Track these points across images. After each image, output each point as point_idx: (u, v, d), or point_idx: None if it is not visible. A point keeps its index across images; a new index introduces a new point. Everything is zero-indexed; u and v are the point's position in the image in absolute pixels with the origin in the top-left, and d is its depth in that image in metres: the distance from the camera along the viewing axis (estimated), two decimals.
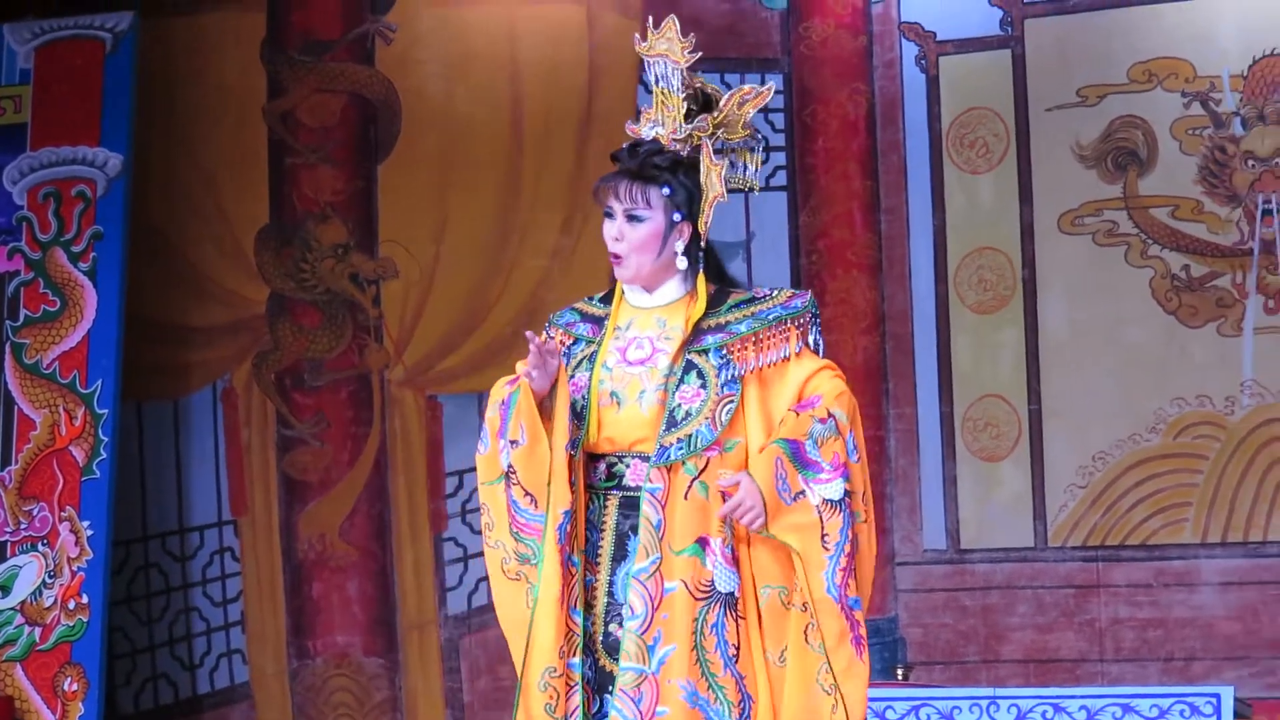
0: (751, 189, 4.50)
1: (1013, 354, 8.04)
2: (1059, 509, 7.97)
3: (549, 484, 4.30)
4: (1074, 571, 7.95)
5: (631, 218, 4.34)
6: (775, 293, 4.45)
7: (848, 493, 4.27)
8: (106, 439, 7.94)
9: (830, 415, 4.28)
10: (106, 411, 7.94)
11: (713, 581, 4.27)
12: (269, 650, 8.55)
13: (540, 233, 8.28)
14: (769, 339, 4.36)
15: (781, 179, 8.19)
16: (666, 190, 4.32)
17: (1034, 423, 8.00)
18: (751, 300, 4.42)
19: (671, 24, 4.39)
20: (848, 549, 4.25)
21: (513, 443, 4.32)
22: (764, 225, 8.20)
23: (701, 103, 4.44)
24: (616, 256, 4.38)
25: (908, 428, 8.05)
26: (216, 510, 8.63)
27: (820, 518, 4.24)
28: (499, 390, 4.50)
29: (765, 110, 7.83)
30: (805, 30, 8.10)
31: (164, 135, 8.59)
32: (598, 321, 4.47)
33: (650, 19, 4.44)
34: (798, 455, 4.25)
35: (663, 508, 4.26)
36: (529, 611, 4.34)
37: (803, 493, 4.24)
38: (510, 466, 4.32)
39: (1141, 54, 7.94)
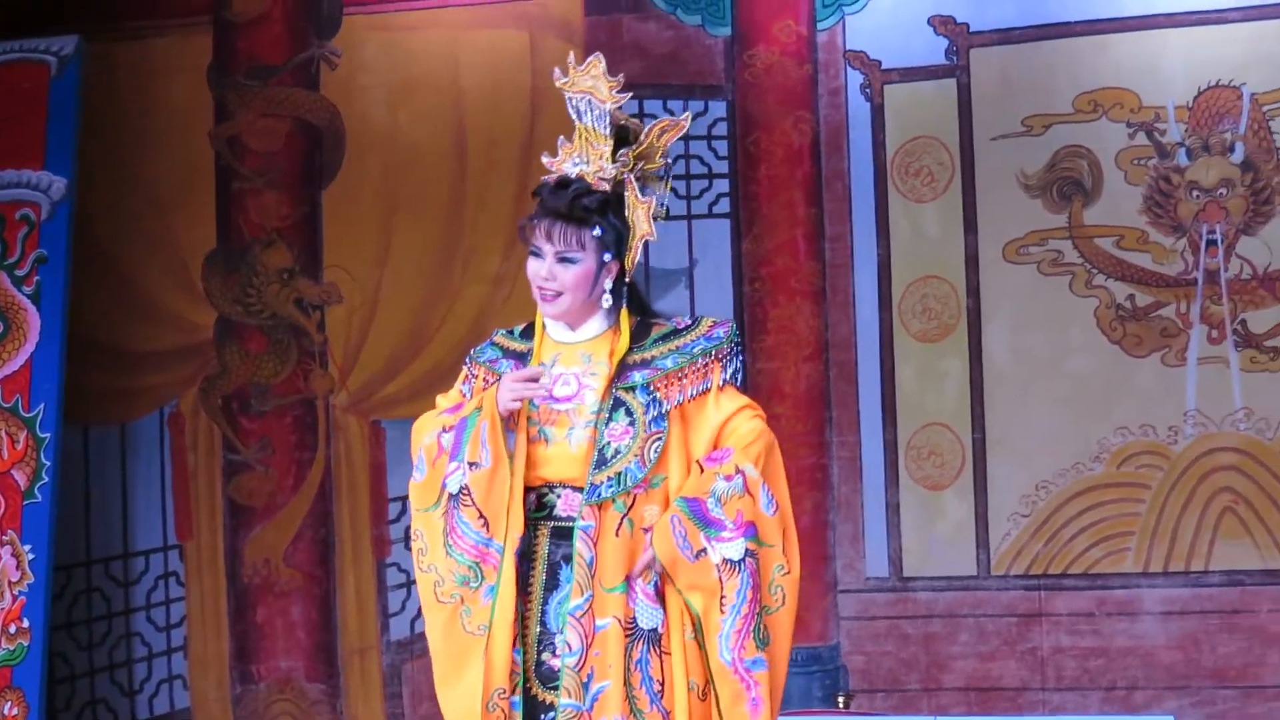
0: (657, 218, 4.49)
1: (957, 382, 8.03)
2: (1002, 538, 7.95)
3: (508, 509, 4.29)
4: (1016, 600, 7.94)
5: (564, 259, 4.36)
6: (697, 323, 4.48)
7: (749, 552, 4.27)
8: (49, 463, 7.92)
9: (738, 471, 4.30)
10: (49, 435, 7.93)
11: (635, 619, 4.28)
12: (211, 676, 8.54)
13: (483, 259, 8.27)
14: (692, 373, 4.39)
15: (725, 206, 8.18)
16: (598, 231, 4.34)
17: (977, 451, 7.99)
18: (675, 333, 4.44)
19: (597, 61, 4.41)
20: (744, 610, 4.27)
21: (472, 464, 4.33)
22: (707, 252, 8.18)
23: (622, 137, 4.45)
24: (547, 293, 4.38)
25: (851, 455, 8.04)
26: (161, 535, 8.62)
27: (720, 578, 4.26)
28: (431, 420, 4.50)
29: (709, 138, 7.99)
30: (749, 58, 8.09)
31: (110, 159, 8.58)
32: (520, 358, 4.48)
33: (572, 55, 4.45)
34: (699, 513, 4.26)
35: (595, 545, 4.28)
36: (464, 635, 4.34)
37: (704, 551, 4.26)
38: (465, 488, 4.33)
39: (1086, 84, 7.94)
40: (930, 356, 8.06)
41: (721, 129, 8.17)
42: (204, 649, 8.56)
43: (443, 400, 4.60)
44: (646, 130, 4.48)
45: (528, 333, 4.53)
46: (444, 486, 4.38)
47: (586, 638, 4.26)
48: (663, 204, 4.49)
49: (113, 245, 8.62)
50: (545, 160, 4.49)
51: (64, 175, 8.10)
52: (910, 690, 7.98)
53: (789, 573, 4.39)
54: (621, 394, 4.36)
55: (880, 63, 8.09)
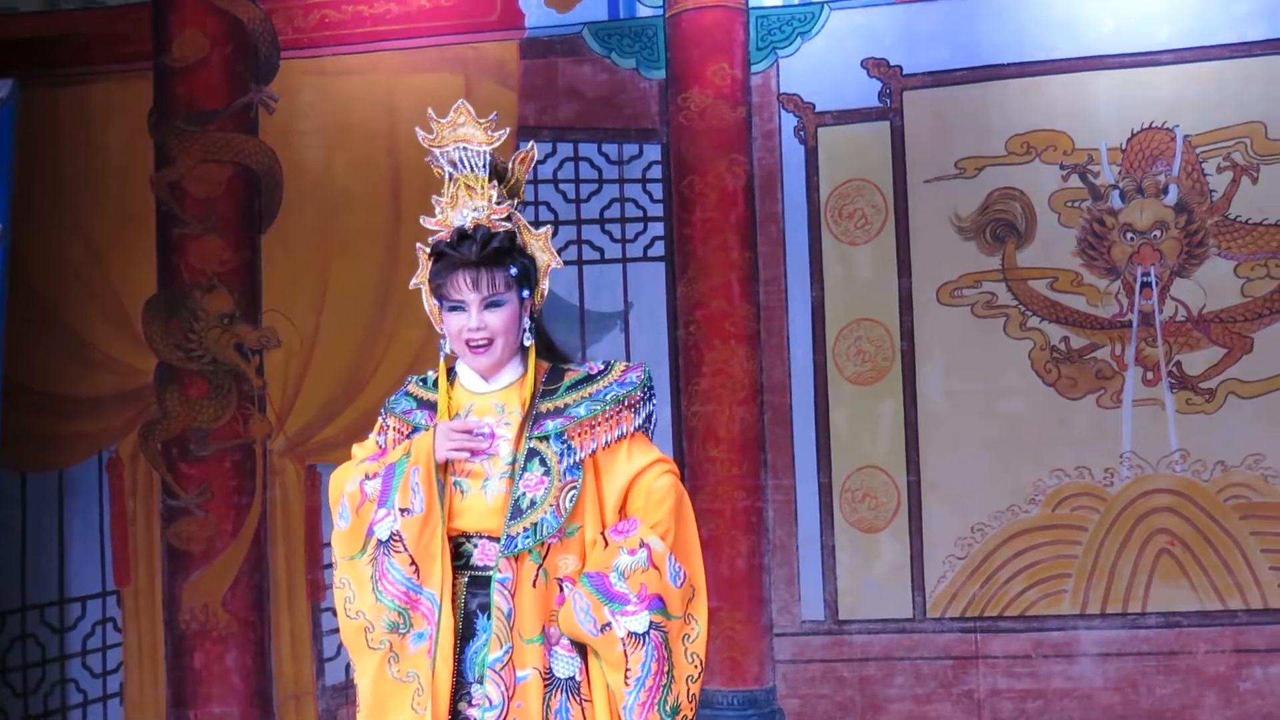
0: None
1: (891, 425, 8.03)
2: (937, 580, 7.95)
3: (441, 556, 4.28)
4: (952, 642, 7.92)
5: (492, 304, 4.36)
6: (610, 368, 4.47)
7: (654, 625, 4.27)
8: None
9: (643, 545, 4.30)
10: None
11: (551, 668, 4.28)
12: None
13: (417, 303, 8.14)
14: (605, 421, 4.39)
15: (659, 249, 8.19)
16: (514, 270, 4.37)
17: (912, 494, 7.99)
18: (588, 379, 4.44)
19: (463, 109, 4.42)
20: (649, 683, 4.27)
21: (404, 510, 4.32)
22: (641, 296, 8.19)
23: (500, 177, 4.46)
24: (480, 345, 4.36)
25: (785, 498, 8.03)
26: (99, 580, 8.59)
27: (625, 651, 4.26)
28: (351, 469, 4.50)
29: (643, 181, 8.01)
30: (684, 101, 8.11)
31: (48, 204, 8.59)
32: (434, 408, 4.47)
33: (431, 110, 4.44)
34: (602, 588, 4.26)
35: (512, 596, 4.27)
36: (392, 682, 4.33)
37: (609, 625, 4.27)
38: (396, 534, 4.32)
39: (1020, 126, 7.97)
40: (865, 399, 8.06)
41: (656, 172, 8.18)
42: (140, 695, 8.53)
43: (359, 450, 4.59)
44: (509, 165, 4.49)
45: (438, 383, 4.51)
46: (371, 533, 4.36)
47: (507, 690, 4.25)
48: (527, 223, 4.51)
49: (50, 290, 8.62)
50: (425, 221, 4.49)
51: None
52: None
53: (699, 636, 4.37)
54: (536, 444, 4.35)
55: (814, 105, 8.11)
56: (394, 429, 4.53)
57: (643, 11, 8.23)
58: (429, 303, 4.47)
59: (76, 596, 8.60)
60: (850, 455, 8.05)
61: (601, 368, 4.48)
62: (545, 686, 4.28)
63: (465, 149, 4.39)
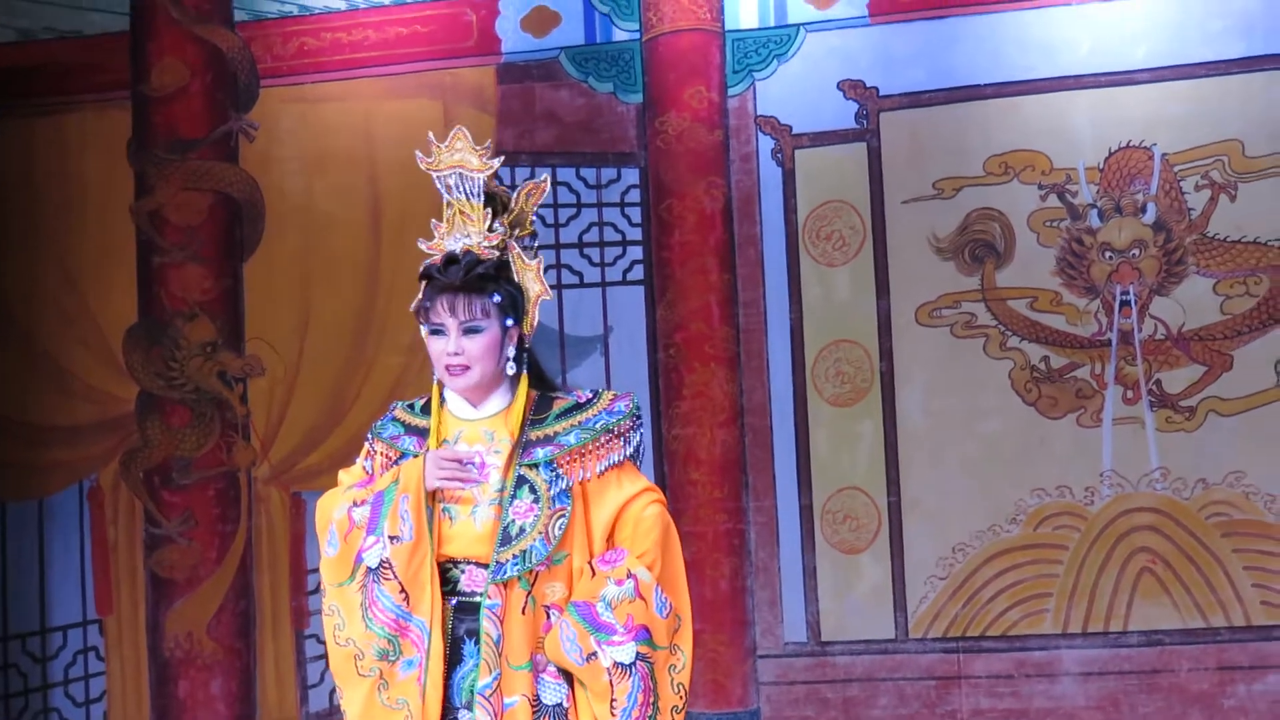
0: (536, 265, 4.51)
1: (871, 446, 8.04)
2: (919, 600, 7.95)
3: (430, 583, 4.29)
4: (935, 663, 7.93)
5: (470, 330, 4.35)
6: (598, 397, 4.47)
7: (640, 655, 4.28)
8: None
9: (630, 576, 4.30)
10: None
11: (539, 695, 4.28)
12: None
13: (397, 329, 8.27)
14: (595, 450, 4.39)
15: (639, 273, 8.20)
16: (497, 298, 4.36)
17: (893, 514, 7.99)
18: (576, 407, 4.44)
19: (461, 135, 4.41)
20: (634, 714, 4.27)
21: (393, 538, 4.31)
22: (621, 319, 8.20)
23: (495, 206, 4.46)
24: (456, 368, 4.36)
25: (767, 520, 8.04)
26: (81, 609, 8.58)
27: (610, 681, 4.26)
28: (338, 496, 4.50)
29: (622, 205, 8.00)
30: (661, 124, 8.12)
31: (28, 234, 8.59)
32: (423, 434, 4.46)
33: (431, 134, 4.46)
34: (588, 618, 4.27)
35: (501, 623, 4.27)
36: (382, 709, 4.33)
37: (594, 654, 4.27)
38: (386, 562, 4.32)
39: (997, 147, 7.99)
40: (844, 420, 8.07)
41: (635, 195, 8.20)
42: None
43: (345, 476, 4.59)
44: (514, 196, 4.49)
45: (427, 408, 4.52)
46: (359, 560, 4.36)
47: (496, 716, 4.25)
48: (533, 259, 4.49)
49: (29, 319, 8.63)
50: (422, 245, 4.49)
51: None
52: None
53: (685, 666, 4.38)
54: (525, 471, 4.35)
55: (791, 127, 8.12)
56: (382, 454, 4.53)
57: (619, 35, 8.25)
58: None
59: (58, 625, 8.59)
60: (831, 476, 8.06)
61: (590, 396, 4.49)
62: (534, 713, 4.28)
63: (461, 174, 4.39)
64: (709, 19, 8.13)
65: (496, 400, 4.44)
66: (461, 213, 4.42)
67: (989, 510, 7.93)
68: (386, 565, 4.32)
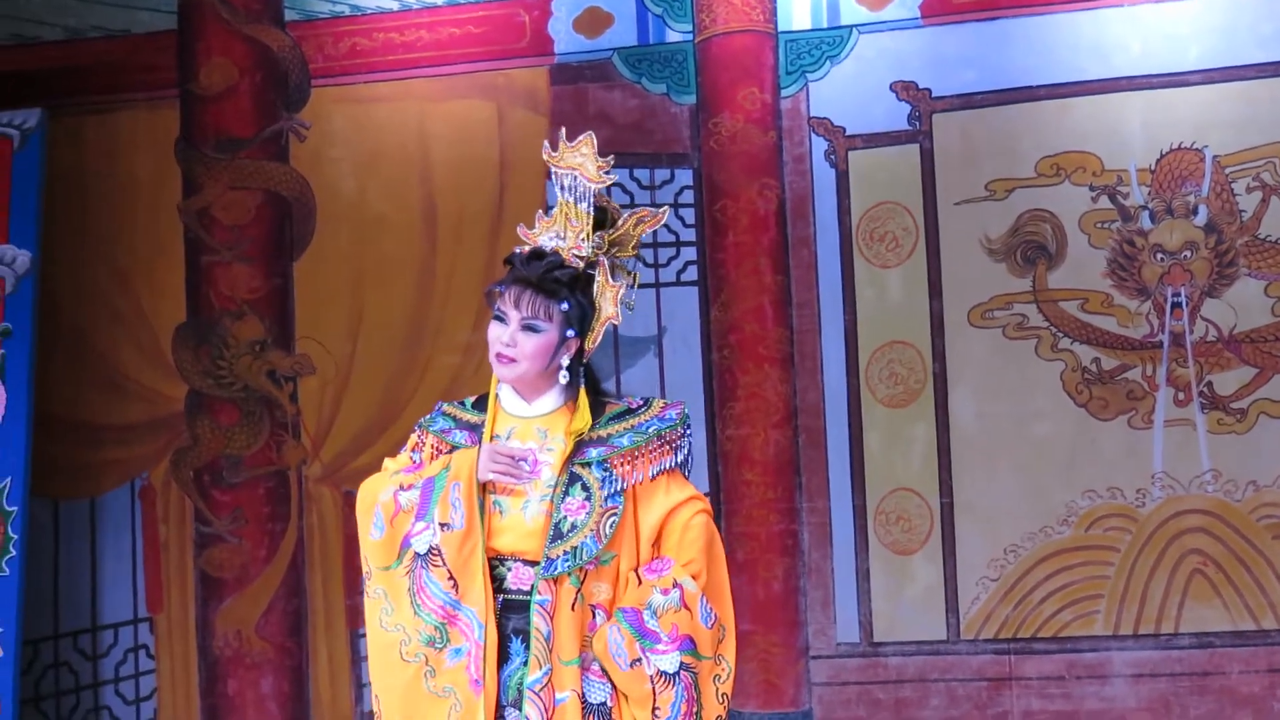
0: (629, 307, 4.52)
1: (924, 447, 8.05)
2: (971, 602, 7.97)
3: (480, 573, 4.31)
4: (986, 664, 7.94)
5: (529, 328, 4.38)
6: (649, 404, 4.51)
7: (684, 665, 4.30)
8: (16, 536, 7.89)
9: (676, 585, 4.33)
10: (15, 509, 7.90)
11: (584, 693, 4.30)
12: None
13: (453, 328, 8.28)
14: (647, 454, 4.42)
15: (692, 274, 8.21)
16: (565, 306, 4.38)
17: (945, 516, 8.01)
18: (628, 412, 4.48)
19: (589, 140, 4.44)
20: None
21: (444, 525, 4.33)
22: (675, 320, 8.21)
23: (599, 218, 4.48)
24: (505, 358, 4.39)
25: (820, 521, 8.05)
26: (131, 608, 8.59)
27: (653, 689, 4.29)
28: (384, 480, 4.50)
29: (675, 205, 8.02)
30: (715, 126, 8.13)
31: (77, 233, 8.60)
32: (474, 429, 4.49)
33: (564, 130, 4.48)
34: (635, 624, 4.29)
35: (551, 619, 4.29)
36: (428, 696, 4.34)
37: (639, 660, 4.29)
38: (435, 549, 4.33)
39: (1049, 148, 7.99)
40: (897, 422, 8.08)
41: (688, 197, 8.20)
42: None
43: (391, 463, 4.61)
44: (625, 217, 4.52)
45: (480, 404, 4.54)
46: (406, 545, 4.37)
47: (546, 711, 4.27)
48: (630, 297, 4.51)
49: (80, 319, 8.63)
50: (521, 231, 4.52)
51: (28, 249, 8.08)
52: None
53: (728, 677, 4.41)
54: (577, 469, 4.38)
55: (844, 129, 8.13)
56: (432, 446, 4.55)
57: (672, 36, 8.26)
58: None
59: (109, 623, 8.61)
60: (883, 478, 8.07)
61: (640, 403, 4.52)
62: (583, 710, 4.30)
63: (576, 178, 4.42)
64: (762, 20, 8.14)
65: (550, 399, 4.47)
66: (566, 216, 4.45)
67: (1040, 512, 7.94)
68: (435, 552, 4.34)
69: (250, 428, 8.52)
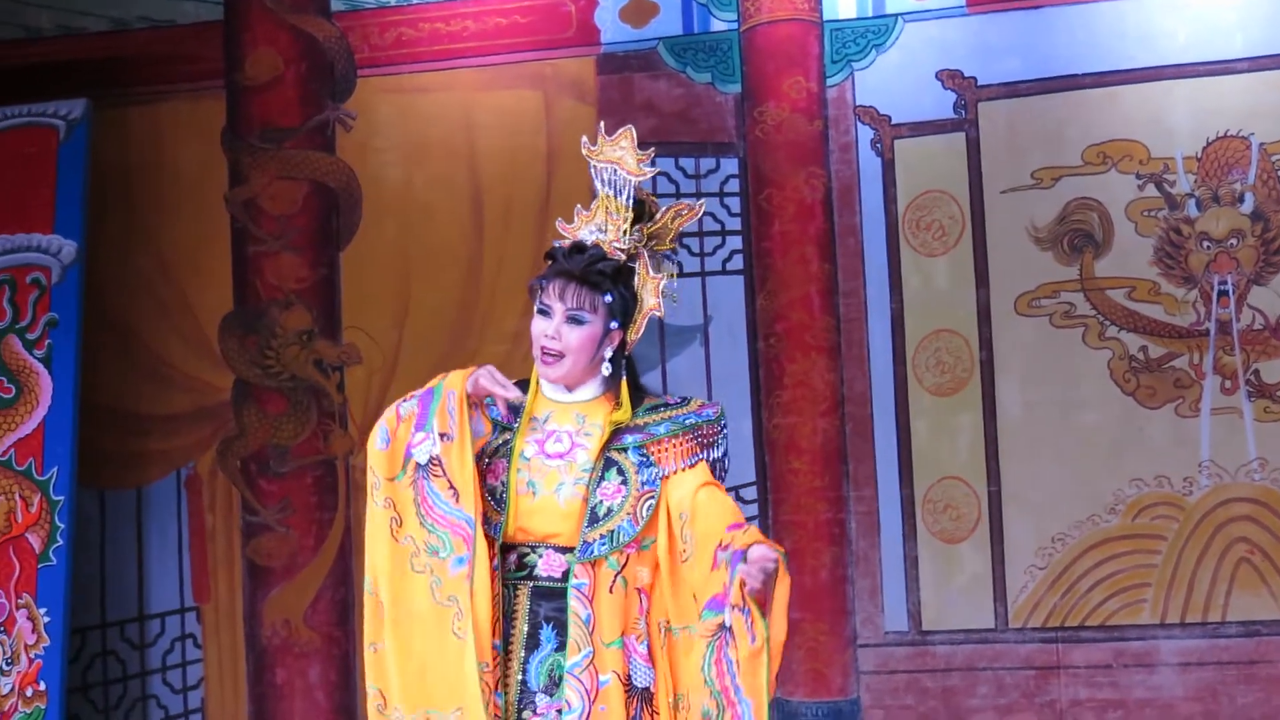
0: (673, 299, 4.53)
1: (971, 436, 8.05)
2: (1019, 590, 7.97)
3: (472, 479, 4.32)
4: (1034, 653, 7.94)
5: (573, 320, 4.41)
6: (686, 401, 4.57)
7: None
8: (63, 526, 7.90)
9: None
10: (63, 498, 7.92)
11: (630, 676, 4.33)
12: None
13: (501, 317, 8.29)
14: (684, 444, 4.47)
15: (738, 263, 8.22)
16: (609, 298, 4.40)
17: (993, 504, 8.00)
18: (665, 405, 4.53)
19: (628, 134, 4.47)
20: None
21: (443, 435, 4.34)
22: (721, 309, 8.21)
23: (639, 212, 4.49)
24: (550, 353, 4.41)
25: (868, 510, 8.05)
26: (178, 597, 8.62)
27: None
28: (392, 409, 4.49)
29: (721, 195, 8.04)
30: (760, 114, 8.13)
31: (123, 223, 8.62)
32: (514, 410, 4.50)
33: (602, 125, 4.50)
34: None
35: (590, 602, 4.32)
36: (434, 605, 4.34)
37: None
38: (436, 459, 4.34)
39: (1095, 136, 7.98)
40: (944, 410, 8.08)
41: (734, 185, 8.21)
42: (222, 711, 8.56)
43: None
44: (663, 211, 4.54)
45: (522, 386, 4.54)
46: (409, 455, 4.37)
47: (589, 693, 4.29)
48: (673, 288, 4.52)
49: (126, 309, 8.65)
50: (560, 226, 4.54)
51: (74, 239, 8.10)
52: None
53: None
54: (613, 454, 4.43)
55: (890, 118, 8.13)
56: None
57: (717, 25, 8.26)
58: None
59: (156, 613, 8.63)
60: (931, 466, 8.07)
61: (678, 400, 4.58)
62: (626, 693, 4.32)
63: (616, 172, 4.44)
64: (807, 9, 8.14)
65: (591, 387, 4.51)
66: (607, 209, 4.47)
67: (1087, 500, 7.94)
68: (436, 462, 4.35)
69: (297, 417, 8.53)
